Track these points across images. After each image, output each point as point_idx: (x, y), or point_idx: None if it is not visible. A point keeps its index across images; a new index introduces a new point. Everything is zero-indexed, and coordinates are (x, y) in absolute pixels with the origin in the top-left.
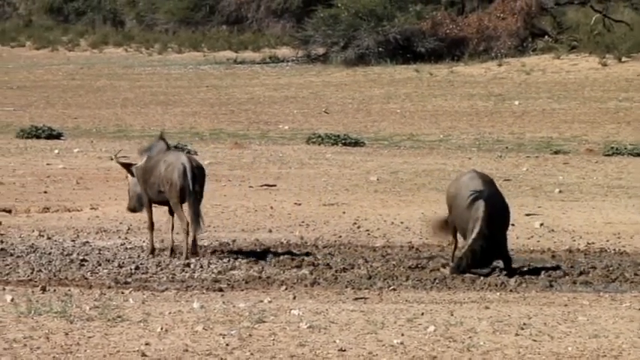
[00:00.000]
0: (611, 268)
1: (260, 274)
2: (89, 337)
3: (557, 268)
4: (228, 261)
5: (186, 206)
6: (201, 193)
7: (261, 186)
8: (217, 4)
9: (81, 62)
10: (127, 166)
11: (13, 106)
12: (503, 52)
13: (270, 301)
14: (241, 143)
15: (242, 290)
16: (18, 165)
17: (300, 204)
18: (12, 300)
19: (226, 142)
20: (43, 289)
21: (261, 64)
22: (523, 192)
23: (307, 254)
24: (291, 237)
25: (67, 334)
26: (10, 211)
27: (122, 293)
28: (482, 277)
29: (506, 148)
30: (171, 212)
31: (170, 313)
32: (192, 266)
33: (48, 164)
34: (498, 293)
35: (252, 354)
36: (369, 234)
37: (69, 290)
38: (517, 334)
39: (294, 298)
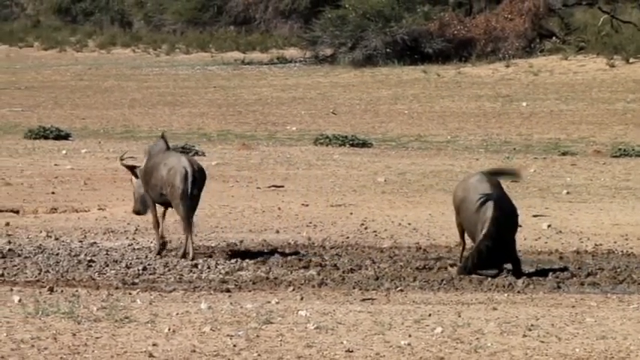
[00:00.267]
0: (618, 270)
1: (267, 274)
2: (97, 338)
3: (564, 269)
4: (236, 262)
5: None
6: (198, 196)
7: (269, 187)
8: (225, 4)
9: (89, 63)
10: (132, 168)
11: (21, 106)
12: (511, 53)
13: (277, 302)
14: (249, 144)
15: (249, 291)
16: (26, 166)
17: (307, 205)
18: (20, 301)
19: (234, 143)
20: (51, 290)
21: (269, 65)
22: (531, 193)
23: (315, 255)
24: (298, 238)
25: (74, 334)
26: (17, 212)
27: (130, 294)
28: (489, 279)
29: (514, 149)
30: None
31: (177, 313)
32: (199, 267)
33: (56, 165)
34: (506, 294)
35: (259, 355)
36: (376, 235)
37: (76, 291)
38: (525, 336)
39: (302, 299)
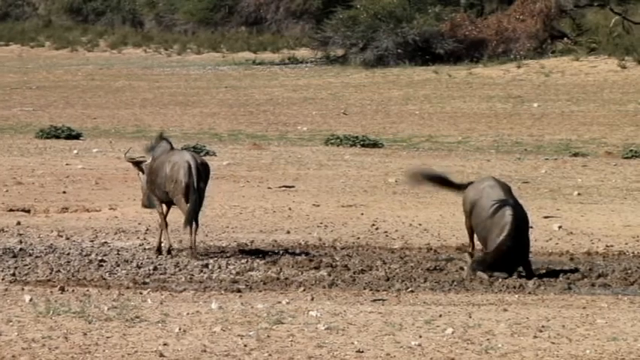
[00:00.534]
0: (629, 271)
1: (278, 275)
2: (107, 338)
3: (575, 270)
4: (247, 262)
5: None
6: (203, 190)
7: (280, 187)
8: (236, 4)
9: (100, 63)
10: (138, 164)
11: (33, 106)
12: (522, 54)
13: (288, 303)
14: (260, 144)
15: (260, 291)
16: (37, 165)
17: (318, 205)
18: (31, 300)
19: (245, 143)
20: (62, 290)
21: (280, 65)
22: (542, 194)
23: (325, 256)
24: (309, 238)
25: (85, 334)
26: (29, 211)
27: (140, 294)
28: (500, 280)
29: (525, 150)
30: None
31: (188, 313)
32: (210, 267)
33: (67, 164)
34: (517, 295)
35: (270, 355)
36: (387, 236)
37: (87, 290)
38: (535, 337)
39: (312, 299)
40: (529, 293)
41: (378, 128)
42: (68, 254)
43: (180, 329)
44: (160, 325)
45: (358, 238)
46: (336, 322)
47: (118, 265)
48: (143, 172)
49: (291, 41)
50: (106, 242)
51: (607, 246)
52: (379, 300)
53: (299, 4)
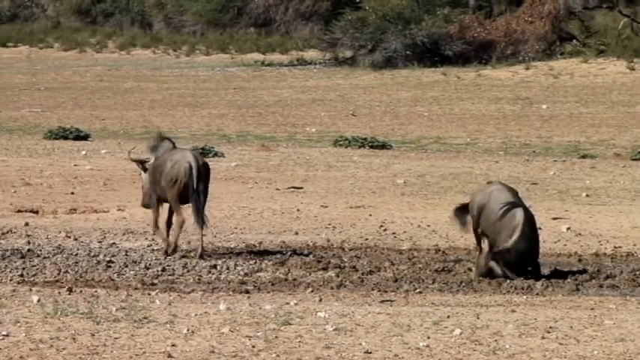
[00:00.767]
0: (637, 272)
1: (286, 276)
2: (115, 338)
3: (583, 271)
4: (255, 263)
5: (189, 205)
6: (205, 191)
7: (288, 188)
8: (245, 6)
9: (109, 64)
10: (142, 163)
11: (41, 107)
12: (531, 56)
13: (296, 304)
14: (268, 145)
15: (268, 292)
16: (45, 166)
17: (326, 206)
18: (39, 301)
19: (253, 144)
20: (70, 290)
21: (289, 67)
22: (550, 196)
23: (333, 257)
24: (317, 239)
25: (93, 335)
26: (37, 212)
27: (148, 295)
28: (508, 281)
29: (534, 152)
30: (171, 210)
31: (196, 314)
32: (218, 268)
33: (75, 165)
34: (525, 296)
35: (278, 356)
36: (395, 237)
37: (95, 291)
38: (543, 338)
39: (320, 300)
40: (537, 294)
41: (386, 130)
42: (76, 255)
43: (188, 330)
44: (168, 325)
45: (366, 239)
46: (344, 323)
47: (126, 266)
48: (146, 171)
49: (299, 43)
50: (114, 243)
51: (615, 247)
52: (387, 301)
53: (308, 6)
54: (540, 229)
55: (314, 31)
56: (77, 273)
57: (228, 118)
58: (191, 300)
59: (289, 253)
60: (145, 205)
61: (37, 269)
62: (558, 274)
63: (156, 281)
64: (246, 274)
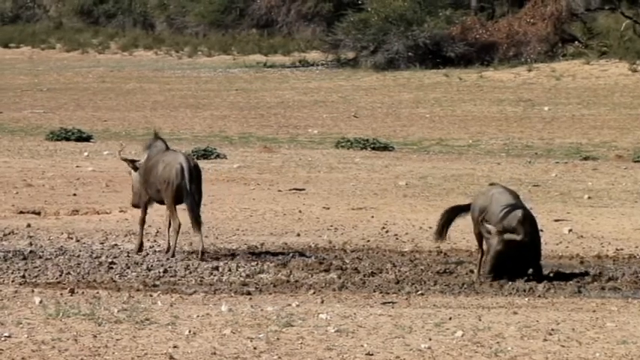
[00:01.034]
0: (639, 275)
1: (288, 277)
2: (117, 340)
3: (585, 273)
4: (257, 264)
5: (184, 207)
6: (199, 192)
7: (290, 190)
8: (247, 7)
9: (111, 65)
10: (132, 162)
11: (43, 108)
12: (533, 58)
13: (298, 305)
14: (270, 147)
15: (270, 294)
16: (47, 167)
17: (328, 208)
18: (41, 302)
19: (255, 145)
20: (72, 292)
21: (291, 68)
22: (552, 198)
23: (335, 258)
24: (319, 241)
25: (95, 336)
26: (39, 214)
27: (150, 296)
28: (510, 282)
29: (536, 153)
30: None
31: (198, 316)
32: (220, 269)
33: (77, 167)
34: (526, 299)
35: (279, 357)
36: (397, 238)
37: (97, 293)
38: (545, 340)
39: (322, 302)
40: (539, 296)
41: (388, 131)
42: (78, 256)
43: (190, 332)
44: (169, 327)
45: (368, 240)
46: (345, 325)
47: (128, 268)
48: (136, 171)
49: (302, 44)
50: (116, 244)
51: (617, 249)
52: (389, 303)
53: (310, 7)
54: (542, 231)
55: (316, 32)
56: (79, 274)
57: (230, 119)
58: (193, 301)
59: (291, 254)
60: (135, 205)
61: (39, 270)
62: (560, 277)
63: (158, 283)
64: (248, 276)
